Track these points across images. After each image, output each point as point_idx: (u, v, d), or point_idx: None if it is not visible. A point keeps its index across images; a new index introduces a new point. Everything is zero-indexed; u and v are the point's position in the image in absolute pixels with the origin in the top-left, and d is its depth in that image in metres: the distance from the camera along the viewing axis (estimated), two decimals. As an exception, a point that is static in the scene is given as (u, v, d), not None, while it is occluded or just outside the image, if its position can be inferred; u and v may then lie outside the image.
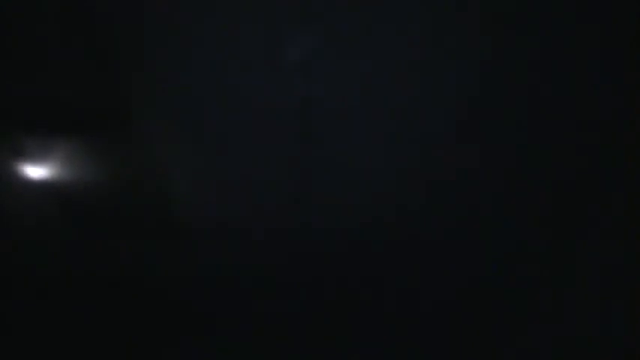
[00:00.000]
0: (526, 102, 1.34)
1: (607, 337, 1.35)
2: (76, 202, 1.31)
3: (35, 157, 1.31)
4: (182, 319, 1.33)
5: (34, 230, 1.31)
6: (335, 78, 1.31)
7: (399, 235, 1.34)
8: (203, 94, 1.32)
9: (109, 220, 1.32)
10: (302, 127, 1.32)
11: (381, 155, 1.33)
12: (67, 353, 1.31)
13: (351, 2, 1.30)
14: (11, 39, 1.29)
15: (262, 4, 1.30)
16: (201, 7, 1.30)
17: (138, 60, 1.31)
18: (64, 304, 1.32)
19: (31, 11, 1.29)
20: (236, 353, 1.34)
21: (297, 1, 1.30)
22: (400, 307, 1.34)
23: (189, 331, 1.33)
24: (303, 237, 1.33)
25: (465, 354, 1.34)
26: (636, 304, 1.34)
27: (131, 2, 1.29)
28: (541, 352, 1.34)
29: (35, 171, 1.31)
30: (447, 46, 1.31)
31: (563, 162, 1.35)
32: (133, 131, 1.31)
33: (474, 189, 1.34)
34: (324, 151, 1.32)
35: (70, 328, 1.32)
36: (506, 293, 1.35)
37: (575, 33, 1.34)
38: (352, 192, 1.33)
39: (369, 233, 1.34)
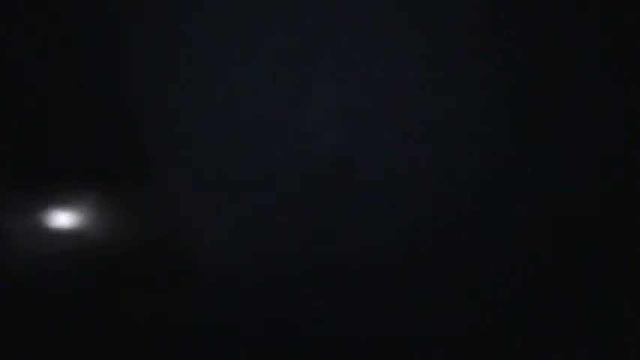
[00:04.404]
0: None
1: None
2: (94, 250, 1.31)
3: (59, 205, 1.31)
4: None
5: (51, 278, 1.31)
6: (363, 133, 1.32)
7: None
8: (228, 146, 1.31)
9: (126, 268, 1.32)
10: (326, 183, 1.32)
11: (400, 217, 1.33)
12: None
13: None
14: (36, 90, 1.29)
15: (288, 59, 1.30)
16: (227, 61, 1.30)
17: (162, 113, 1.31)
18: (77, 354, 1.31)
19: (55, 64, 1.29)
20: None
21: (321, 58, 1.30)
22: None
23: None
24: (323, 291, 1.32)
25: None
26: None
27: (158, 60, 1.29)
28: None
29: (57, 219, 1.31)
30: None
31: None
32: (154, 181, 1.31)
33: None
34: (347, 210, 1.32)
35: None
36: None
37: (575, 33, 1.34)
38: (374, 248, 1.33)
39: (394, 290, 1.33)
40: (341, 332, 1.31)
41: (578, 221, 1.35)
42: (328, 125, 1.29)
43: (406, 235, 1.31)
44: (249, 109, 1.30)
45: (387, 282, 1.32)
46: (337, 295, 1.31)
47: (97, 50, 1.28)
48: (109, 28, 1.28)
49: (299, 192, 1.30)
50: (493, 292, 1.34)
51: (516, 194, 1.35)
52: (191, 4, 1.30)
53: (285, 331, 1.31)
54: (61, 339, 1.29)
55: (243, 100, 1.30)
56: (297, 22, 1.30)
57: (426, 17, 1.32)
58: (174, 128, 1.30)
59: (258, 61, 1.30)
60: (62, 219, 1.30)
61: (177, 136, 1.30)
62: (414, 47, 1.31)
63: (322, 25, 1.29)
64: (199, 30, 1.30)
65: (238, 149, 1.30)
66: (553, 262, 1.35)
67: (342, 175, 1.30)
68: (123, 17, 1.28)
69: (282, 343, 1.31)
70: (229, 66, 1.30)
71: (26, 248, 1.30)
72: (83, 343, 1.30)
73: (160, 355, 1.29)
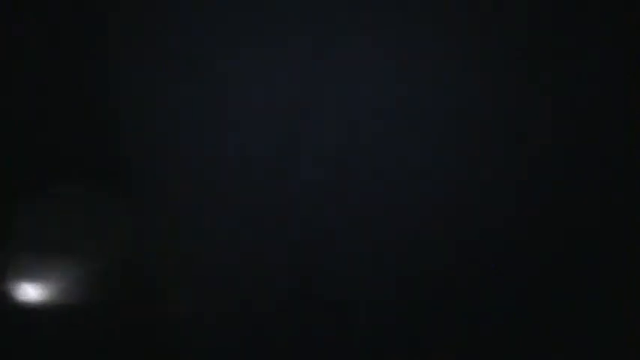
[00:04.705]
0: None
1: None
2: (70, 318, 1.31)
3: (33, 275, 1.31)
4: None
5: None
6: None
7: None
8: (209, 190, 1.32)
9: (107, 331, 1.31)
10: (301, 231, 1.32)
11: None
12: None
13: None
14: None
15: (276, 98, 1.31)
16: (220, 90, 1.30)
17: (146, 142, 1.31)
18: None
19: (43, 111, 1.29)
20: None
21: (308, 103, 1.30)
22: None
23: None
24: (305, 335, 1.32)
25: None
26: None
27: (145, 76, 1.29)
28: None
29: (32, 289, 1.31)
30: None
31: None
32: (134, 230, 1.31)
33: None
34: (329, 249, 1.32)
35: None
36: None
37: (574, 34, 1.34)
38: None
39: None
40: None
41: (578, 221, 1.36)
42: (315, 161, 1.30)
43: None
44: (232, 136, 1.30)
45: (379, 315, 1.32)
46: (323, 322, 1.31)
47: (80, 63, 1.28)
48: (99, 35, 1.28)
49: (281, 227, 1.31)
50: (492, 299, 1.34)
51: (516, 194, 1.35)
52: (185, 18, 1.30)
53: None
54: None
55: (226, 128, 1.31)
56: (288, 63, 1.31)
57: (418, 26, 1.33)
58: (157, 153, 1.31)
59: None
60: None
61: (159, 161, 1.30)
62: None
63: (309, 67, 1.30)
64: (190, 47, 1.31)
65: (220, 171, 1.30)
66: (552, 262, 1.35)
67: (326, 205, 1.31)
68: (115, 27, 1.28)
69: None
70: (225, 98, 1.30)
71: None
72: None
73: None
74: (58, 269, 1.29)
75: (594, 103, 1.35)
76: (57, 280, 1.29)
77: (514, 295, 1.34)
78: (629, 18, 1.34)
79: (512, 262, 1.35)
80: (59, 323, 1.29)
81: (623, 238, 1.35)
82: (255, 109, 1.30)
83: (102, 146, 1.29)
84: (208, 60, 1.31)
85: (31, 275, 1.29)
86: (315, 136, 1.31)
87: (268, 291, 1.31)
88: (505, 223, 1.35)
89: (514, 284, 1.35)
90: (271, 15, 1.32)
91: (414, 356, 1.33)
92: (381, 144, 1.32)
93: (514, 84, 1.34)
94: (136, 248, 1.30)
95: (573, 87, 1.35)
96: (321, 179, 1.32)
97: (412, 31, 1.32)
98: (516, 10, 1.33)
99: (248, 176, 1.30)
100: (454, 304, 1.34)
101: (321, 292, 1.30)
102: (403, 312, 1.33)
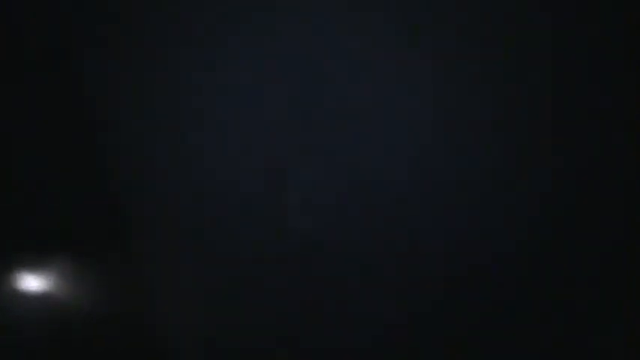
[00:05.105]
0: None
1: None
2: (66, 315, 1.30)
3: (31, 270, 1.31)
4: None
5: (24, 339, 1.30)
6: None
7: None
8: (201, 221, 1.32)
9: (95, 336, 1.31)
10: (301, 263, 1.32)
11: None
12: None
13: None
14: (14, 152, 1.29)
15: (262, 143, 1.30)
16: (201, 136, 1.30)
17: (138, 183, 1.31)
18: None
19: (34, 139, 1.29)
20: None
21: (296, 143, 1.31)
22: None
23: None
24: None
25: None
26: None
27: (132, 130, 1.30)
28: None
29: (29, 282, 1.31)
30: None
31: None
32: (128, 251, 1.31)
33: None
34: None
35: None
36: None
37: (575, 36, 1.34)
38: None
39: None
40: None
41: (578, 221, 1.36)
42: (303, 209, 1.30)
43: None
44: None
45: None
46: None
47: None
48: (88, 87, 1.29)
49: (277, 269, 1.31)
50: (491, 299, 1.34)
51: (516, 195, 1.35)
52: (173, 58, 1.31)
53: None
54: None
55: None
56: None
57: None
58: (152, 199, 1.31)
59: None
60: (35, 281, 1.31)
61: (156, 208, 1.31)
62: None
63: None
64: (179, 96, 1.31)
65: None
66: (553, 262, 1.35)
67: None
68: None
69: None
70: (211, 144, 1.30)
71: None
72: None
73: None
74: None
75: (594, 104, 1.35)
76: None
77: (514, 294, 1.35)
78: (629, 18, 1.33)
79: (513, 261, 1.35)
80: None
81: (623, 238, 1.35)
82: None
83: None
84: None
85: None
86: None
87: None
88: (505, 223, 1.35)
89: (514, 284, 1.35)
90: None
91: (414, 356, 1.33)
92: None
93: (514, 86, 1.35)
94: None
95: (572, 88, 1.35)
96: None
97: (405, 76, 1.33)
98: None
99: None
100: (455, 305, 1.34)
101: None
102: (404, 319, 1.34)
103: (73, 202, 1.30)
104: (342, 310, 1.32)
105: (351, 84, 1.31)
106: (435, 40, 1.33)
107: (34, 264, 1.31)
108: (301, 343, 1.32)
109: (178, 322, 1.31)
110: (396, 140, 1.31)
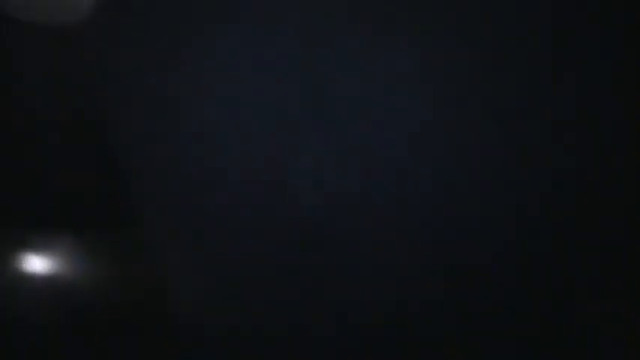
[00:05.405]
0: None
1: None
2: (74, 298, 1.30)
3: (37, 250, 1.30)
4: None
5: (30, 325, 1.29)
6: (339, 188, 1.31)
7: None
8: (208, 201, 1.31)
9: (106, 319, 1.30)
10: (303, 235, 1.31)
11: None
12: None
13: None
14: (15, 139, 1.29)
15: (266, 118, 1.30)
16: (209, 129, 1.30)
17: (149, 166, 1.31)
18: None
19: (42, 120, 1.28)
20: None
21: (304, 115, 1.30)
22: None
23: None
24: (310, 345, 1.32)
25: None
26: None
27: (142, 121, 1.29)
28: None
29: (36, 264, 1.30)
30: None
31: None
32: (139, 232, 1.30)
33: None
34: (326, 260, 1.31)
35: None
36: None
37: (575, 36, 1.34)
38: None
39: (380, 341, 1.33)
40: None
41: (578, 221, 1.36)
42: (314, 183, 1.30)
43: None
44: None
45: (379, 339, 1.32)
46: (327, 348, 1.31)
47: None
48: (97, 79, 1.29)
49: (284, 246, 1.30)
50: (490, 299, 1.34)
51: (515, 196, 1.35)
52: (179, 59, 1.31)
53: None
54: None
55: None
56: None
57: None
58: (160, 181, 1.30)
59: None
60: (39, 266, 1.30)
61: (163, 190, 1.30)
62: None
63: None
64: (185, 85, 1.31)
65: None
66: (552, 262, 1.35)
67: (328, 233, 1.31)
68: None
69: None
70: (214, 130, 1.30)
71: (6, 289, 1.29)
72: None
73: None
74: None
75: (594, 104, 1.35)
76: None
77: (514, 295, 1.35)
78: (629, 18, 1.33)
79: (512, 262, 1.35)
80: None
81: (623, 238, 1.35)
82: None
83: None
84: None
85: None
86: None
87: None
88: (504, 223, 1.35)
89: (514, 284, 1.35)
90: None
91: (413, 356, 1.33)
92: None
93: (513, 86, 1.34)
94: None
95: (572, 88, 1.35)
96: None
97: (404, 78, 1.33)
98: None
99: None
100: (454, 304, 1.34)
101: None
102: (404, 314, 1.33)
103: (82, 183, 1.29)
104: (345, 307, 1.32)
105: (360, 76, 1.31)
106: (435, 40, 1.33)
107: (38, 245, 1.30)
108: (309, 332, 1.32)
109: (190, 308, 1.31)
110: (398, 135, 1.31)
